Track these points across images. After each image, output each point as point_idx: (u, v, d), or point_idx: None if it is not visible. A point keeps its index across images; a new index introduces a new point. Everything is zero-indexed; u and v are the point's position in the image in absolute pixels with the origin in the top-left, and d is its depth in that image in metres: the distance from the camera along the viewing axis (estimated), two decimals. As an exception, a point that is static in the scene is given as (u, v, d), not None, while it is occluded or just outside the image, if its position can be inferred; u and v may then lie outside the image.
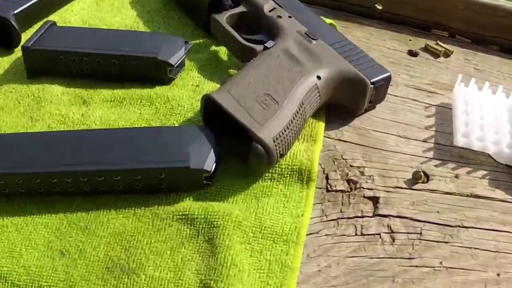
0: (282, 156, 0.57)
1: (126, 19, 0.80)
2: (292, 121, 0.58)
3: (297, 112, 0.60)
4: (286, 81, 0.61)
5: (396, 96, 0.73)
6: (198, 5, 0.76)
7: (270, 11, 0.73)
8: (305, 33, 0.68)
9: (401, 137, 0.67)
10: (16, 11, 0.75)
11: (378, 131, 0.67)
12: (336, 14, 0.86)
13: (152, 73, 0.68)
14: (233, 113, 0.57)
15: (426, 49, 0.82)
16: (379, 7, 0.85)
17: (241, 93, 0.59)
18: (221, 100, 0.58)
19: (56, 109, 0.66)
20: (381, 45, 0.81)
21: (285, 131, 0.57)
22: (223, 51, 0.74)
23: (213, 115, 0.59)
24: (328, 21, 0.77)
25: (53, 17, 0.80)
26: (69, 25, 0.79)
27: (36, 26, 0.78)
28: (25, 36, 0.73)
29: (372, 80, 0.65)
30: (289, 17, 0.71)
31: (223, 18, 0.72)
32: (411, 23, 0.86)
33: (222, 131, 0.59)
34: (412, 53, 0.81)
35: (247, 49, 0.68)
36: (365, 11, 0.87)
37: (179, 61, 0.68)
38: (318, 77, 0.63)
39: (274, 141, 0.55)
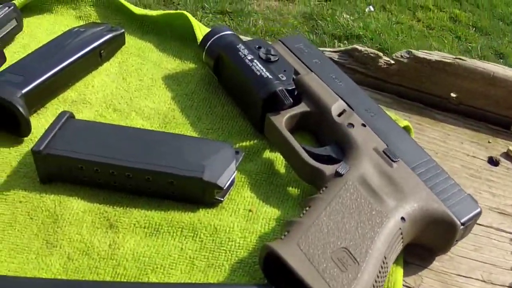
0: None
1: (159, 103, 0.66)
2: (374, 286, 0.46)
3: (380, 272, 0.48)
4: (367, 228, 0.49)
5: (480, 225, 0.61)
6: (250, 98, 0.62)
7: (339, 115, 0.60)
8: (384, 152, 0.56)
9: (485, 282, 0.55)
10: (24, 91, 0.61)
11: (461, 276, 0.55)
12: (408, 106, 0.73)
13: (195, 195, 0.55)
14: (304, 277, 0.45)
15: (507, 155, 0.70)
16: (454, 95, 0.73)
17: (312, 246, 0.47)
18: (288, 256, 0.46)
19: (77, 233, 0.53)
20: (459, 150, 0.69)
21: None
22: (279, 160, 0.61)
23: (274, 265, 0.47)
24: (403, 122, 0.64)
25: (70, 93, 0.67)
26: (89, 106, 0.65)
27: (50, 106, 0.64)
28: (36, 121, 0.61)
29: (462, 221, 0.53)
30: (363, 125, 0.58)
31: (281, 122, 0.59)
32: (490, 118, 0.74)
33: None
34: (493, 162, 0.69)
35: (313, 170, 0.55)
36: (438, 102, 0.74)
37: (229, 182, 0.55)
38: (402, 219, 0.51)
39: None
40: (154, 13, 0.76)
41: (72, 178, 0.56)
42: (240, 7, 2.29)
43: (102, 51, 0.69)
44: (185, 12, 0.74)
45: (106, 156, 0.55)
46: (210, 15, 2.20)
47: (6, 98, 0.59)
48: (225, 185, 0.54)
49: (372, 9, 2.41)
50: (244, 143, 0.62)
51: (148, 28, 0.78)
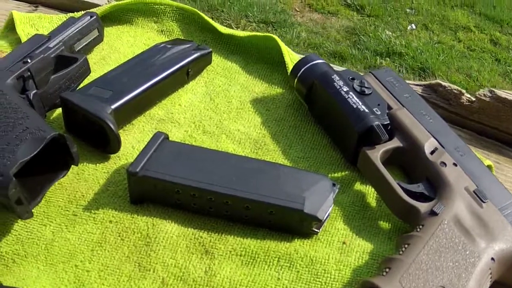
0: None
1: (249, 127, 0.67)
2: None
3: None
4: (461, 267, 0.50)
5: None
6: (344, 131, 0.63)
7: (431, 152, 0.60)
8: (474, 192, 0.56)
9: None
10: (114, 106, 0.62)
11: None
12: (486, 144, 0.74)
13: (292, 225, 0.56)
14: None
15: None
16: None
17: (414, 284, 0.48)
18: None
19: (171, 257, 0.54)
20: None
21: None
22: (371, 193, 0.62)
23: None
24: (486, 162, 0.65)
25: (157, 111, 0.68)
26: (177, 126, 0.66)
27: (136, 123, 0.65)
28: (123, 138, 0.62)
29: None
30: (454, 164, 0.59)
31: (377, 157, 0.60)
32: None
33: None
34: None
35: (408, 207, 0.56)
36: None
37: (327, 214, 0.56)
38: (492, 259, 0.52)
39: None
40: (241, 33, 0.77)
41: (165, 200, 0.57)
42: (283, 17, 2.30)
43: (189, 70, 0.70)
44: (274, 36, 0.75)
45: (204, 182, 0.56)
46: (254, 24, 2.21)
47: (97, 114, 0.60)
48: (323, 217, 0.55)
49: (414, 27, 2.41)
50: (335, 174, 0.63)
51: (234, 48, 0.78)
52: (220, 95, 0.71)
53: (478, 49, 2.47)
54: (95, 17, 0.76)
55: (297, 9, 2.38)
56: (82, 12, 0.83)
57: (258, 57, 0.77)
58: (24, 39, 0.79)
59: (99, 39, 0.77)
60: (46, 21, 0.84)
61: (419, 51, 2.30)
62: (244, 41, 0.77)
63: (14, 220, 0.56)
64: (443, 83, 0.74)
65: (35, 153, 0.52)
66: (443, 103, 0.75)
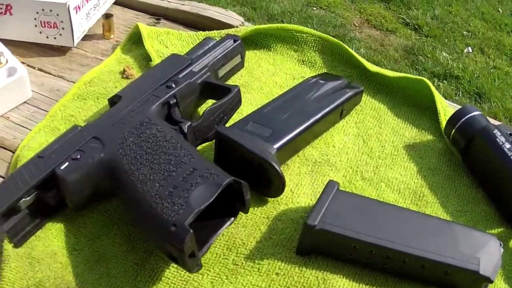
0: None
1: (406, 176, 0.65)
2: None
3: None
4: None
5: None
6: (505, 190, 0.61)
7: None
8: None
9: None
10: (276, 146, 0.59)
11: None
12: None
13: (463, 285, 0.54)
14: None
15: None
16: None
17: None
18: None
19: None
20: None
21: None
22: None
23: None
24: None
25: (311, 151, 0.66)
26: (334, 170, 0.65)
27: (291, 164, 0.63)
28: None
29: None
30: None
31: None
32: None
33: None
34: None
35: None
36: None
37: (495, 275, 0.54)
38: None
39: None
40: (390, 73, 0.74)
41: (336, 254, 0.55)
42: (342, 32, 2.28)
43: (343, 109, 0.68)
44: (426, 80, 0.72)
45: (384, 239, 0.54)
46: (313, 36, 2.19)
47: (261, 155, 0.57)
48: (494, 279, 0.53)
49: (470, 50, 2.38)
50: (492, 230, 0.61)
51: (380, 87, 0.76)
52: (372, 138, 0.69)
53: (533, 76, 2.43)
54: (239, 41, 0.73)
55: (356, 24, 2.36)
56: (217, 32, 0.80)
57: (405, 98, 0.74)
58: (154, 56, 0.77)
59: (240, 66, 0.74)
60: (175, 38, 0.82)
61: (475, 75, 2.27)
62: (392, 80, 0.75)
63: (165, 266, 0.53)
64: None
65: (210, 200, 0.49)
66: None
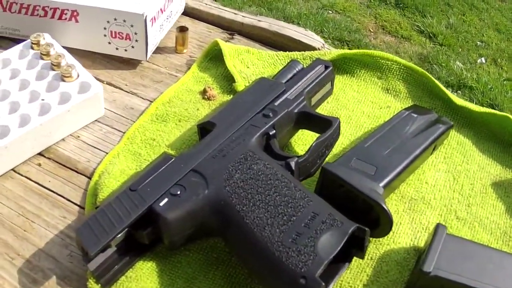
0: None
1: (495, 215, 0.64)
2: None
3: None
4: None
5: None
6: None
7: None
8: None
9: None
10: (383, 185, 0.58)
11: None
12: None
13: None
14: None
15: None
16: None
17: None
18: None
19: None
20: None
21: None
22: None
23: None
24: None
25: (406, 188, 0.65)
26: (430, 208, 0.63)
27: (388, 202, 0.62)
28: None
29: None
30: None
31: None
32: None
33: None
34: None
35: None
36: None
37: None
38: None
39: None
40: (475, 107, 0.73)
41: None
42: (358, 37, 2.27)
43: (436, 145, 0.67)
44: (511, 117, 0.71)
45: (493, 285, 0.53)
46: (329, 40, 2.18)
47: (371, 196, 0.55)
48: None
49: (483, 61, 2.39)
50: None
51: (464, 121, 0.74)
52: (461, 174, 0.68)
53: (544, 90, 2.45)
54: (331, 68, 0.70)
55: (371, 29, 2.35)
56: (299, 54, 0.77)
57: (488, 134, 0.73)
58: (238, 77, 0.74)
59: (330, 93, 0.72)
60: (255, 57, 0.79)
61: (489, 86, 2.28)
62: (477, 115, 0.73)
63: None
64: None
65: (338, 249, 0.48)
66: None
